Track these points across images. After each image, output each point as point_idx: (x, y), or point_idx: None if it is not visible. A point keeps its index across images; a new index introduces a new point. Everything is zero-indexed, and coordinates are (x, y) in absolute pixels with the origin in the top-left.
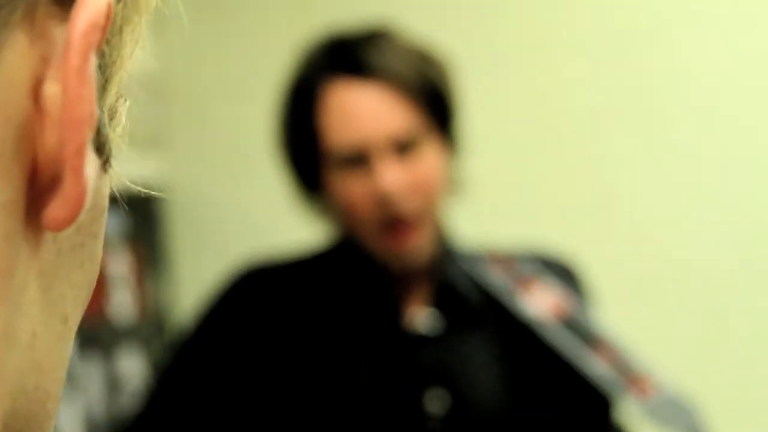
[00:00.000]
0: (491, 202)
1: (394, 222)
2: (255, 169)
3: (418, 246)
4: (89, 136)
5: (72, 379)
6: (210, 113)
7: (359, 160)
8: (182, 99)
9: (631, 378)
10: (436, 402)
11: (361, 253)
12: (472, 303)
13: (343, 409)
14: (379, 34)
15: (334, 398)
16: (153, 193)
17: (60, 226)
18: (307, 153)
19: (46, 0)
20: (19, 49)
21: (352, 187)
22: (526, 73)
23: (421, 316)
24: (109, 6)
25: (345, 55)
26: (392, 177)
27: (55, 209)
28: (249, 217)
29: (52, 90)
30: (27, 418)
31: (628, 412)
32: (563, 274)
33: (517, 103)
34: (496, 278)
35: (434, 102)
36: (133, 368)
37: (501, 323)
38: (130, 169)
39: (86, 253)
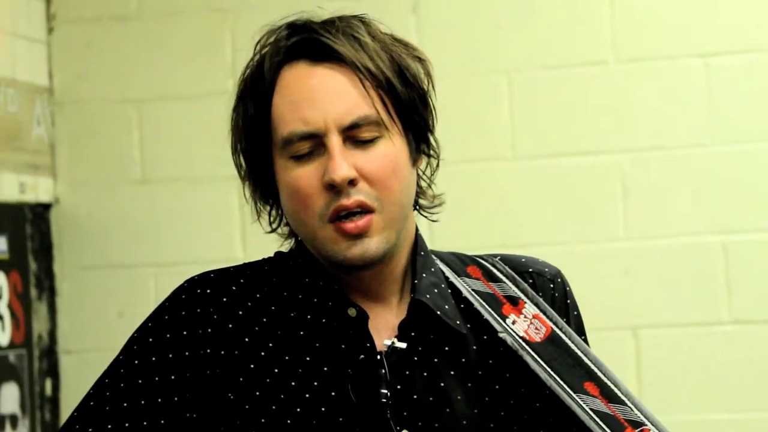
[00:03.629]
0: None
1: (344, 212)
2: None
3: (371, 241)
4: None
5: None
6: None
7: (312, 146)
8: None
9: (624, 420)
10: (402, 427)
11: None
12: (449, 316)
13: None
14: (349, 20)
15: (287, 420)
16: None
17: None
18: (260, 141)
19: None
20: None
21: (303, 175)
22: None
23: (388, 333)
24: None
25: (306, 39)
26: (345, 165)
27: None
28: None
29: None
30: None
31: None
32: (549, 288)
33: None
34: (477, 291)
35: (400, 95)
36: None
37: (479, 338)
38: None
39: None
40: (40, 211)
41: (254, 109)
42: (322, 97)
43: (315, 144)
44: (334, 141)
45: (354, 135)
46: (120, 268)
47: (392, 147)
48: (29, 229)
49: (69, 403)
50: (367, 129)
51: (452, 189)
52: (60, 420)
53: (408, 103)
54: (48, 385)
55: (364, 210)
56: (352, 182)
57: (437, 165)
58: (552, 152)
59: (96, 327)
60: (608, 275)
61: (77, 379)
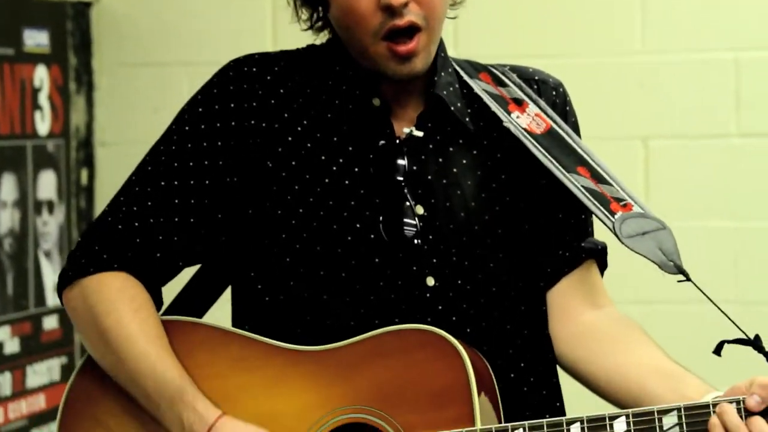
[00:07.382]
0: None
1: (397, 31)
2: None
3: (417, 60)
4: None
5: None
6: None
7: None
8: None
9: (610, 197)
10: (413, 208)
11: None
12: (460, 113)
13: (318, 209)
14: None
15: (310, 197)
16: None
17: None
18: None
19: None
20: None
21: None
22: None
23: (407, 123)
24: None
25: None
26: None
27: None
28: None
29: None
30: None
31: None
32: (552, 95)
33: None
34: (487, 92)
35: None
36: None
37: (488, 134)
38: None
39: None
40: (81, 9)
41: None
42: None
43: None
44: None
45: None
46: (155, 66)
47: None
48: (70, 25)
49: (103, 192)
50: None
51: None
52: (94, 208)
53: None
54: (84, 174)
55: (413, 28)
56: (405, 4)
57: None
58: None
59: (131, 121)
60: (623, 87)
61: (111, 170)
